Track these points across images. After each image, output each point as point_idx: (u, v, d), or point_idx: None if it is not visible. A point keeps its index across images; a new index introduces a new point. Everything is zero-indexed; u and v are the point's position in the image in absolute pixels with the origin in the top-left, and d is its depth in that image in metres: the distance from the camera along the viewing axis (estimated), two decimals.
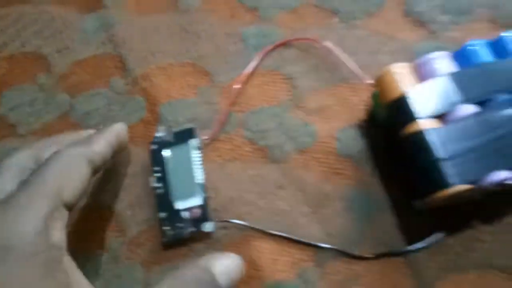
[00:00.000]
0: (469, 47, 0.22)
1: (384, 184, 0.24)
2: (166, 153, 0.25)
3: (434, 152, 0.20)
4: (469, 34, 0.26)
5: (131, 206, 0.25)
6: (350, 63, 0.26)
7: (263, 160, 0.25)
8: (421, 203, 0.22)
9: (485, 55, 0.22)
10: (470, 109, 0.21)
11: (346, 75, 0.26)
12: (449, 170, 0.20)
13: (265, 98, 0.27)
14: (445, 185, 0.20)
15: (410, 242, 0.23)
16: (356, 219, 0.23)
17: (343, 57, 0.26)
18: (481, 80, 0.21)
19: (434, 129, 0.21)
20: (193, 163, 0.24)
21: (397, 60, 0.23)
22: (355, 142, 0.25)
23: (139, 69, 0.28)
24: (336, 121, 0.25)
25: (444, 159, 0.20)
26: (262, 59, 0.27)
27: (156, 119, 0.27)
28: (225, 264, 0.19)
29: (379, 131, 0.25)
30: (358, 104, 0.25)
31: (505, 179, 0.20)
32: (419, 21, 0.27)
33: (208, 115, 0.26)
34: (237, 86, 0.26)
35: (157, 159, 0.25)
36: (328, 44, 0.27)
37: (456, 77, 0.22)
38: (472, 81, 0.22)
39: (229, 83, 0.27)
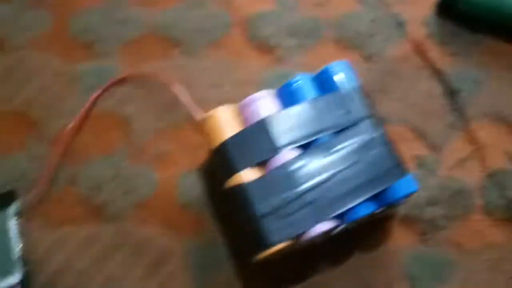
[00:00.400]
0: (290, 84, 0.20)
1: (224, 235, 0.22)
2: None
3: (253, 207, 0.19)
4: (317, 58, 0.25)
5: None
6: (186, 98, 0.23)
7: (98, 219, 0.22)
8: (259, 261, 0.20)
9: (309, 91, 0.21)
10: (290, 155, 0.19)
11: (187, 113, 0.23)
12: (270, 226, 0.18)
13: (100, 146, 0.24)
14: (267, 244, 0.18)
15: None
16: (196, 277, 0.21)
17: (180, 92, 0.23)
18: (303, 120, 0.20)
19: (253, 182, 0.19)
20: (10, 235, 0.21)
21: (242, 91, 0.22)
22: (196, 188, 0.23)
23: None
24: (177, 167, 0.23)
25: (264, 215, 0.18)
26: (96, 100, 0.24)
27: None
28: None
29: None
30: (200, 145, 0.23)
31: (328, 230, 0.19)
32: (265, 47, 0.26)
33: (38, 171, 0.23)
34: (67, 130, 0.23)
35: None
36: (165, 79, 0.24)
37: (275, 120, 0.20)
38: (293, 121, 0.20)
39: (61, 131, 0.24)
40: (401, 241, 0.22)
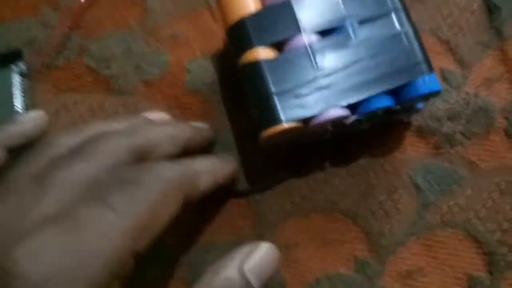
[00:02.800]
0: None
1: (230, 120, 0.22)
2: None
3: (267, 85, 0.18)
4: None
5: None
6: None
7: (105, 91, 0.22)
8: (264, 140, 0.19)
9: None
10: (311, 38, 0.18)
11: None
12: (282, 104, 0.18)
13: (113, 21, 0.23)
14: (275, 121, 0.18)
15: (254, 182, 0.21)
16: None
17: None
18: (330, 4, 0.19)
19: (269, 60, 0.18)
20: (14, 90, 0.21)
21: None
22: (208, 74, 0.22)
23: None
24: (190, 51, 0.22)
25: (277, 93, 0.18)
26: None
27: None
28: (257, 262, 0.16)
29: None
30: (216, 32, 0.22)
31: (340, 118, 0.18)
32: None
33: (48, 39, 0.23)
34: (80, 5, 0.22)
35: None
36: None
37: (299, 2, 0.19)
38: (319, 4, 0.19)
39: (75, 2, 0.23)
40: (413, 151, 0.21)
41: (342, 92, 0.18)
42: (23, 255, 0.13)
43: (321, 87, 0.18)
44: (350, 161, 0.21)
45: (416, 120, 0.22)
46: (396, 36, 0.18)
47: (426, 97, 0.19)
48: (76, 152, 0.15)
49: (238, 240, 0.20)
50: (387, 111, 0.19)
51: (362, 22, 0.19)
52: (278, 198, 0.21)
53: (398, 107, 0.19)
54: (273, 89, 0.18)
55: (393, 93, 0.19)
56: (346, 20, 0.19)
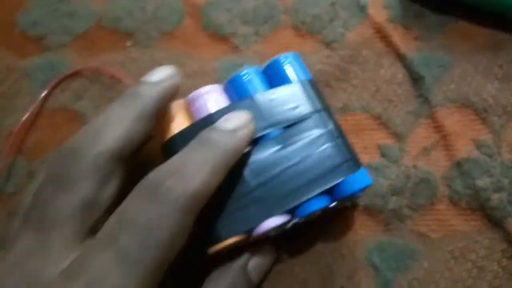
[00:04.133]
0: (238, 78, 0.19)
1: None
2: None
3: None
4: (274, 46, 0.24)
5: None
6: None
7: None
8: (212, 253, 0.19)
9: (257, 84, 0.20)
10: None
11: None
12: (220, 221, 0.18)
13: (57, 141, 0.23)
14: (216, 238, 0.18)
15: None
16: None
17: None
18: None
19: None
20: None
21: (198, 82, 0.21)
22: None
23: None
24: None
25: (213, 210, 0.18)
26: (48, 96, 0.24)
27: None
28: (259, 262, 0.20)
29: None
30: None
31: (280, 225, 0.18)
32: (219, 35, 0.25)
33: None
34: (19, 126, 0.22)
35: None
36: (115, 72, 0.23)
37: (222, 114, 0.18)
38: None
39: (15, 127, 0.23)
40: (364, 231, 0.21)
41: (278, 200, 0.18)
42: None
43: (256, 198, 0.18)
44: (307, 249, 0.21)
45: (362, 200, 0.22)
46: (320, 137, 0.19)
47: (359, 191, 0.19)
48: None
49: None
50: (326, 208, 0.19)
51: (286, 128, 0.19)
52: None
53: (334, 204, 0.19)
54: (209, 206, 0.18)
55: (328, 191, 0.19)
56: (269, 129, 0.19)
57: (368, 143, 0.22)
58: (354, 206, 0.22)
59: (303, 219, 0.19)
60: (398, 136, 0.23)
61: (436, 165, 0.22)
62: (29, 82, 0.24)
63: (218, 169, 0.16)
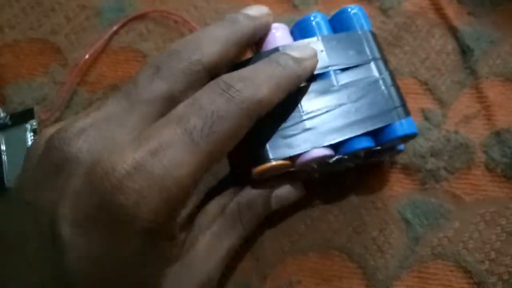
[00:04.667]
0: (307, 19, 0.21)
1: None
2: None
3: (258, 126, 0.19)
4: (333, 6, 0.25)
5: None
6: None
7: None
8: (256, 175, 0.20)
9: (323, 28, 0.21)
10: None
11: None
12: (269, 145, 0.19)
13: (117, 78, 0.25)
14: (264, 158, 0.19)
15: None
16: None
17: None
18: None
19: None
20: (27, 147, 0.23)
21: None
22: None
23: None
24: None
25: (265, 134, 0.19)
26: (114, 34, 0.25)
27: (1, 101, 0.25)
28: (284, 192, 0.21)
29: None
30: None
31: (323, 157, 0.19)
32: None
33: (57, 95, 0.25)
34: (84, 59, 0.24)
35: None
36: (185, 16, 0.25)
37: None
38: None
39: (81, 60, 0.25)
40: (400, 188, 0.23)
41: (325, 133, 0.19)
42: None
43: (306, 128, 0.19)
44: (341, 199, 0.23)
45: (402, 158, 0.23)
46: (375, 82, 0.20)
47: (404, 139, 0.20)
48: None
49: (244, 281, 0.21)
50: (368, 151, 0.20)
51: (344, 70, 0.20)
52: (278, 238, 0.22)
53: (377, 147, 0.20)
54: (262, 129, 0.19)
55: (373, 135, 0.20)
56: (329, 68, 0.20)
57: (412, 106, 0.23)
58: (392, 163, 0.23)
59: (345, 156, 0.20)
60: (442, 103, 0.24)
61: (476, 133, 0.23)
62: (99, 20, 0.26)
63: (282, 87, 0.18)
